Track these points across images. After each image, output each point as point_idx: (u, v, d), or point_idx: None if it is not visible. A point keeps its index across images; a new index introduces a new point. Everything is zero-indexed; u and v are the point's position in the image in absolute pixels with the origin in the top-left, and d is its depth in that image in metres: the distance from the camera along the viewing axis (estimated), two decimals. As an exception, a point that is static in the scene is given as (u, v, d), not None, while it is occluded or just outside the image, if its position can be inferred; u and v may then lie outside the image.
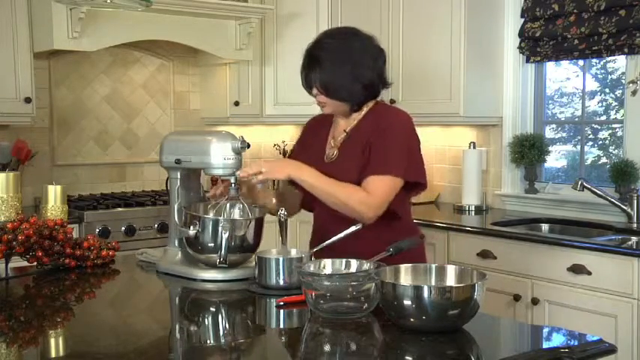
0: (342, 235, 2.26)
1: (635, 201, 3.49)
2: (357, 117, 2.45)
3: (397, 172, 2.32)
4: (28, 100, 3.91)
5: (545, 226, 3.79)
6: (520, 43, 4.01)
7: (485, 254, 3.47)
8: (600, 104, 3.96)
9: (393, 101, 4.19)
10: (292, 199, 2.62)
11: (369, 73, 2.37)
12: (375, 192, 2.30)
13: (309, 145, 2.58)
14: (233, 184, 2.43)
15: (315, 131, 2.60)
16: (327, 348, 1.77)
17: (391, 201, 2.34)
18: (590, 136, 4.01)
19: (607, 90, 3.94)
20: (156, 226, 4.01)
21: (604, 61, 3.88)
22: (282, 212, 2.31)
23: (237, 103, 4.67)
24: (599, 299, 3.06)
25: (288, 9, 4.65)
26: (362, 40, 2.41)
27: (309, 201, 2.53)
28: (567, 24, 3.75)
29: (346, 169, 2.37)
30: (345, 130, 2.46)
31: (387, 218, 2.35)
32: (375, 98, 2.46)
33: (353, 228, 2.26)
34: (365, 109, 2.44)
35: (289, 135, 5.26)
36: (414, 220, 3.75)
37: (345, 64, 2.34)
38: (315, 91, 2.40)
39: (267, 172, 2.33)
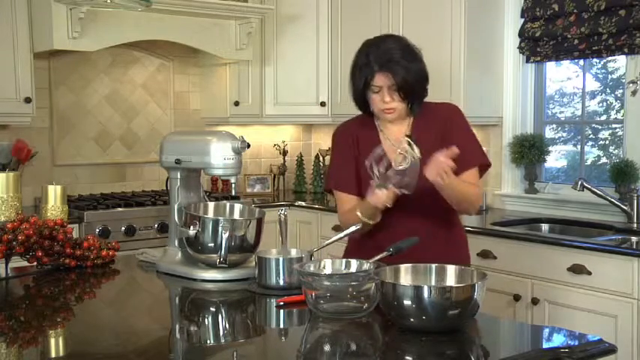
0: (342, 234, 2.27)
1: (635, 201, 3.49)
2: (408, 120, 2.45)
3: (485, 159, 2.47)
4: (28, 100, 3.91)
5: (545, 226, 3.79)
6: (520, 43, 4.01)
7: (485, 254, 3.47)
8: (600, 104, 3.96)
9: (393, 101, 4.20)
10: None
11: (426, 68, 2.42)
12: (479, 183, 2.44)
13: (356, 149, 2.48)
14: (233, 184, 2.44)
15: (356, 135, 2.50)
16: (327, 348, 1.77)
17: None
18: (591, 136, 4.01)
19: (607, 90, 3.94)
20: (156, 226, 4.00)
21: (604, 61, 3.88)
22: (282, 212, 2.31)
23: (237, 103, 4.67)
24: (599, 299, 3.05)
25: (288, 9, 4.65)
26: (408, 40, 2.44)
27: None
28: (567, 24, 3.75)
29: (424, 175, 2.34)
30: (407, 135, 2.40)
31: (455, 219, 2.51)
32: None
33: (353, 228, 2.26)
34: (418, 109, 2.44)
35: (289, 135, 5.26)
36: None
37: (416, 61, 2.37)
38: (387, 97, 2.35)
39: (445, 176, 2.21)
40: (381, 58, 2.33)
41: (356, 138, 2.49)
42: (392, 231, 2.36)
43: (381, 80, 2.33)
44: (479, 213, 4.04)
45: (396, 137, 2.42)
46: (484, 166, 2.49)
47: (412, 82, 2.34)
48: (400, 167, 2.20)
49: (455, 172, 2.26)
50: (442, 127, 2.42)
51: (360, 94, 2.41)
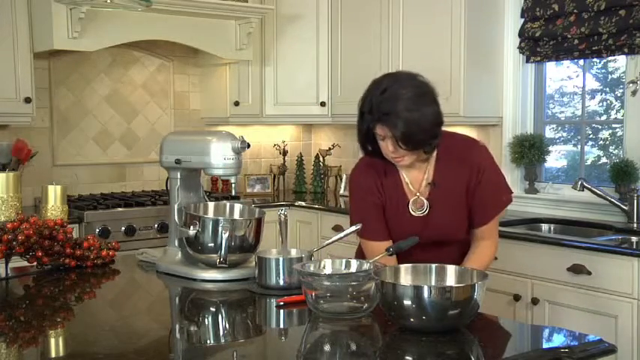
0: (342, 234, 2.27)
1: (635, 201, 3.48)
2: (431, 162, 2.31)
3: (507, 202, 2.42)
4: (28, 100, 3.91)
5: (545, 226, 3.79)
6: (520, 43, 4.01)
7: (485, 254, 3.47)
8: (600, 104, 3.96)
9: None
10: None
11: (438, 114, 2.21)
12: (495, 233, 2.41)
13: (385, 202, 2.34)
14: (233, 184, 2.43)
15: (380, 180, 2.34)
16: (327, 348, 1.77)
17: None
18: (591, 136, 4.01)
19: (607, 90, 3.94)
20: (156, 226, 4.00)
21: (604, 60, 3.88)
22: (282, 212, 2.31)
23: (237, 103, 4.67)
24: (599, 299, 3.05)
25: (288, 9, 4.65)
26: (418, 82, 2.22)
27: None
28: (567, 24, 3.75)
29: (446, 223, 2.32)
30: (428, 182, 2.31)
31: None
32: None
33: (353, 228, 2.26)
34: (436, 151, 2.30)
35: (289, 135, 5.26)
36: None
37: (421, 113, 2.15)
38: (391, 147, 2.18)
39: None
40: (380, 108, 2.14)
41: (380, 185, 2.34)
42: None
43: (382, 130, 2.16)
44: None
45: (416, 184, 2.33)
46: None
47: (414, 134, 2.14)
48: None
49: (474, 225, 2.33)
50: (468, 175, 2.29)
51: (365, 137, 2.24)
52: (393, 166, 2.32)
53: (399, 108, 2.12)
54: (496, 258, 2.51)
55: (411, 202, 2.31)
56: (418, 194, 2.32)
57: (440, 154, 2.32)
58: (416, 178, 2.33)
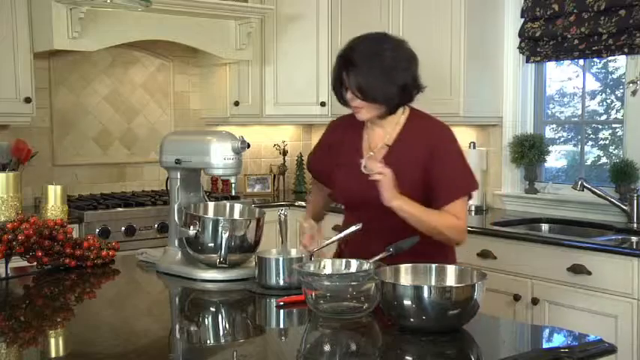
0: (342, 235, 2.27)
1: (635, 201, 3.48)
2: (395, 128, 2.39)
3: (471, 188, 2.37)
4: (28, 100, 3.91)
5: (545, 226, 3.79)
6: (520, 43, 4.01)
7: (485, 254, 3.47)
8: (601, 104, 3.96)
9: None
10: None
11: (402, 75, 2.31)
12: (461, 215, 2.32)
13: (337, 150, 2.49)
14: (233, 184, 2.45)
15: (342, 135, 2.51)
16: (327, 348, 1.77)
17: None
18: (591, 136, 4.01)
19: (607, 90, 3.94)
20: (156, 226, 4.00)
21: (604, 60, 3.88)
22: (282, 212, 2.31)
23: (237, 103, 4.67)
24: (599, 299, 3.05)
25: (288, 9, 4.65)
26: (394, 42, 2.36)
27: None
28: (567, 24, 3.75)
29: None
30: (386, 144, 2.39)
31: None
32: (409, 102, 2.40)
33: (353, 228, 2.26)
34: (403, 119, 2.39)
35: (289, 135, 5.26)
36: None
37: (379, 64, 2.29)
38: (349, 95, 2.32)
39: (384, 184, 2.21)
40: (345, 55, 2.32)
41: (341, 139, 2.50)
42: (362, 245, 2.32)
43: (346, 78, 2.31)
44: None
45: (375, 144, 2.41)
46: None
47: (369, 89, 2.27)
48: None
49: (436, 206, 2.28)
50: (425, 154, 2.33)
51: (337, 85, 2.38)
52: (361, 124, 2.44)
53: (359, 60, 2.28)
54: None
55: (364, 160, 2.36)
56: (372, 153, 2.39)
57: (406, 125, 2.40)
58: (376, 139, 2.42)
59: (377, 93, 2.29)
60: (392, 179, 2.20)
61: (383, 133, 2.41)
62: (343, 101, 2.40)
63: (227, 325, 2.06)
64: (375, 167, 2.21)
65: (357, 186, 2.35)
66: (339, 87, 2.36)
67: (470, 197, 2.41)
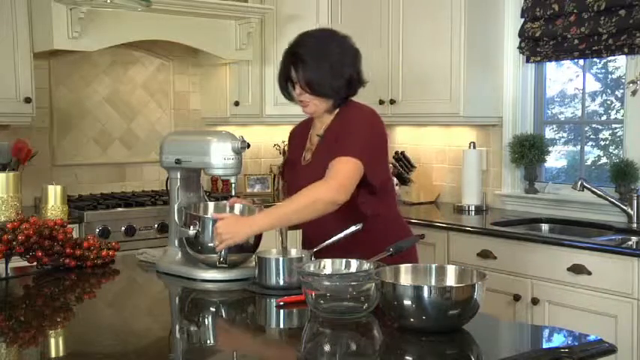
0: (342, 235, 2.26)
1: (635, 201, 3.49)
2: (329, 118, 2.49)
3: (355, 154, 2.32)
4: (28, 100, 3.91)
5: (545, 226, 3.79)
6: (520, 43, 4.01)
7: (485, 254, 3.47)
8: (601, 104, 3.96)
9: (393, 101, 4.20)
10: None
11: (349, 69, 2.42)
12: (336, 174, 2.29)
13: (292, 152, 2.63)
14: (233, 184, 2.47)
15: (297, 138, 2.63)
16: (327, 348, 1.77)
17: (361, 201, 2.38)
18: (591, 136, 4.01)
19: (607, 90, 3.94)
20: (156, 226, 4.00)
21: (604, 61, 3.88)
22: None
23: (237, 103, 4.67)
24: (599, 299, 3.05)
25: (288, 9, 4.65)
26: (340, 39, 2.46)
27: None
28: (567, 24, 3.75)
29: (319, 172, 2.34)
30: (317, 135, 2.50)
31: (369, 222, 2.34)
32: (353, 96, 2.49)
33: (353, 228, 2.26)
34: (337, 110, 2.48)
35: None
36: (415, 221, 3.75)
37: (327, 60, 2.38)
38: (298, 90, 2.42)
39: (228, 240, 2.26)
40: (293, 54, 2.40)
41: (294, 135, 2.65)
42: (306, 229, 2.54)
43: (294, 73, 2.40)
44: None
45: (314, 137, 2.52)
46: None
47: (318, 83, 2.37)
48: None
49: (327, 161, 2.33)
50: (339, 129, 2.42)
51: (283, 80, 2.45)
52: (310, 123, 2.55)
53: (303, 53, 2.37)
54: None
55: (304, 153, 2.49)
56: (310, 145, 2.50)
57: (337, 114, 2.48)
58: (316, 132, 2.51)
59: (325, 87, 2.39)
60: (231, 223, 2.27)
61: (321, 125, 2.51)
62: (289, 96, 2.49)
63: (227, 325, 2.06)
64: (215, 232, 2.28)
65: (297, 180, 2.44)
66: (284, 83, 2.45)
67: (360, 173, 2.33)
